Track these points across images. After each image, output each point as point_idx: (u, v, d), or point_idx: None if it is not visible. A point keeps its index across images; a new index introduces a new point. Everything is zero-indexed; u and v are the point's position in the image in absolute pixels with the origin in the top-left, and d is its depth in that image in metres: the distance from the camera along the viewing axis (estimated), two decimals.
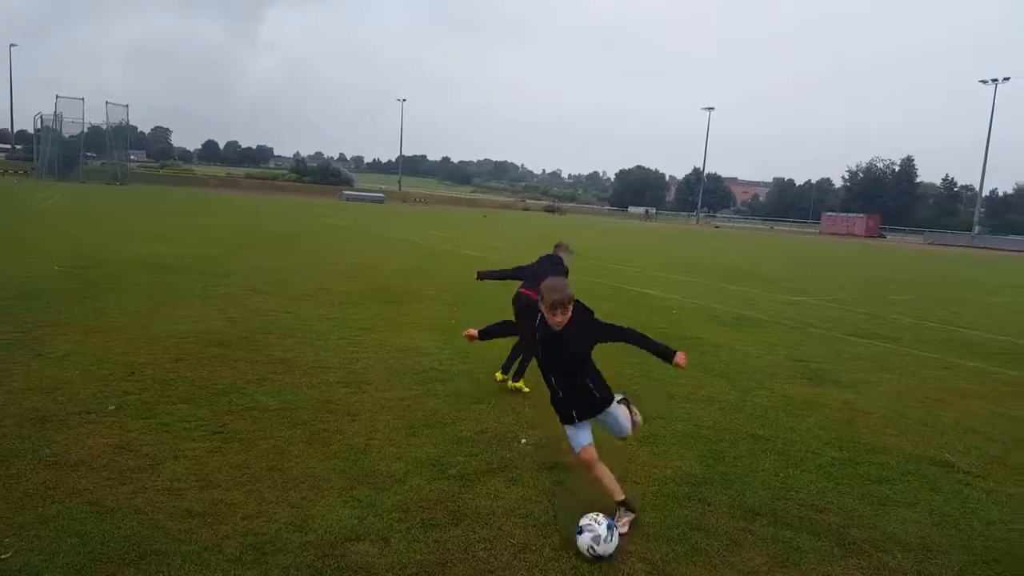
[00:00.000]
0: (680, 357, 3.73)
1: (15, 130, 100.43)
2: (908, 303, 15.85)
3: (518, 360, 6.49)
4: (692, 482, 4.49)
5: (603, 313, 4.03)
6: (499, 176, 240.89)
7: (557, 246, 6.97)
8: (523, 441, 5.04)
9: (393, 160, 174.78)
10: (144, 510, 3.62)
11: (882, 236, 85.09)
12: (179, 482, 3.98)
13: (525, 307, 6.64)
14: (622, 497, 3.86)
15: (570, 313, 3.64)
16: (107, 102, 71.30)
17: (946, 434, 5.89)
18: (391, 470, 4.37)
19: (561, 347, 3.72)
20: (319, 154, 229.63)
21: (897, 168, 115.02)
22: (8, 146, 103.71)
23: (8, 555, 3.13)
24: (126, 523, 3.47)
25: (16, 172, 68.34)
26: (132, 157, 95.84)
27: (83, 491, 3.78)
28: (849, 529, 3.97)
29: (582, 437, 3.83)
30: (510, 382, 6.45)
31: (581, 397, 3.80)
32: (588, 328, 3.78)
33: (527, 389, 6.37)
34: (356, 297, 10.98)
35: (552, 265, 6.68)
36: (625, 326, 3.87)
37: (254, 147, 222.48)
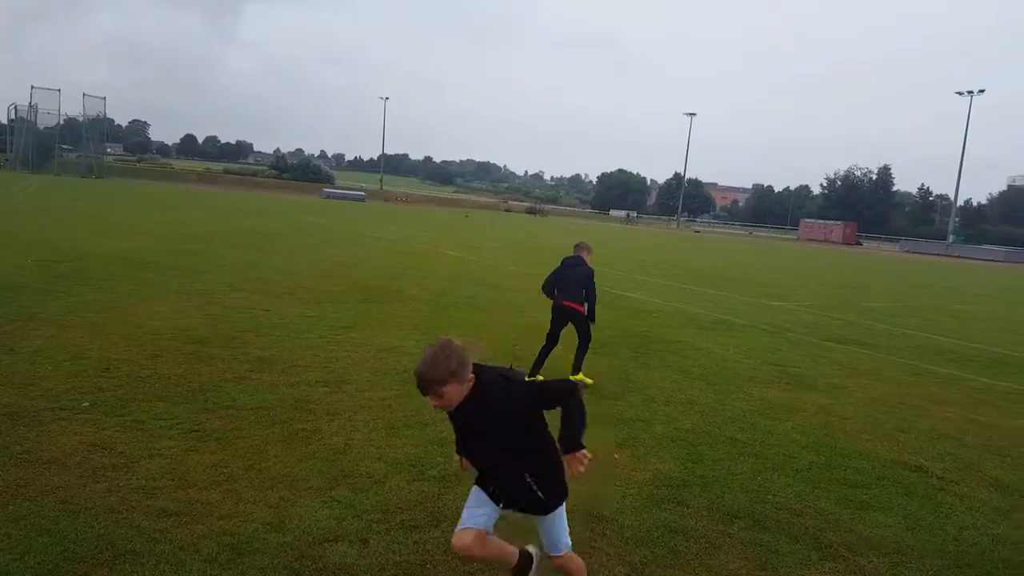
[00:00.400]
0: (574, 461, 2.74)
1: None
2: (883, 310, 16.11)
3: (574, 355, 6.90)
4: (671, 485, 4.51)
5: None
6: (481, 176, 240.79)
7: (577, 246, 7.17)
8: None
9: (375, 158, 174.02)
10: (118, 509, 3.56)
11: (859, 243, 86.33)
12: (154, 481, 3.92)
13: (555, 313, 6.93)
14: (514, 563, 3.04)
15: (459, 392, 2.58)
16: (84, 94, 69.90)
17: (920, 440, 5.99)
18: (370, 470, 4.34)
19: (474, 432, 2.75)
20: (299, 151, 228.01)
21: (874, 176, 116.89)
22: None
23: (85, 405, 3.02)
24: (100, 522, 3.41)
25: None
26: (109, 150, 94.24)
27: (56, 489, 3.70)
28: (826, 532, 4.02)
29: (479, 517, 2.82)
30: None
31: (515, 489, 2.81)
32: (517, 407, 2.69)
33: (591, 381, 6.76)
34: (336, 296, 10.90)
35: (572, 268, 6.96)
36: (568, 389, 2.88)
37: (233, 142, 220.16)
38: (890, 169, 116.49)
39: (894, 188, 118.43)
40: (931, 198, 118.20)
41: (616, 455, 4.95)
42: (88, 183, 53.59)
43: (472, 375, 2.61)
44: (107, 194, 39.40)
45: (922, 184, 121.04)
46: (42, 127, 68.74)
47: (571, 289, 6.89)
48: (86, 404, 5.02)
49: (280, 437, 4.76)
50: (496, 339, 8.62)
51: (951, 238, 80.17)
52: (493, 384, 2.65)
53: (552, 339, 6.92)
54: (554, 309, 6.95)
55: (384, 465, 4.43)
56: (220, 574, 3.09)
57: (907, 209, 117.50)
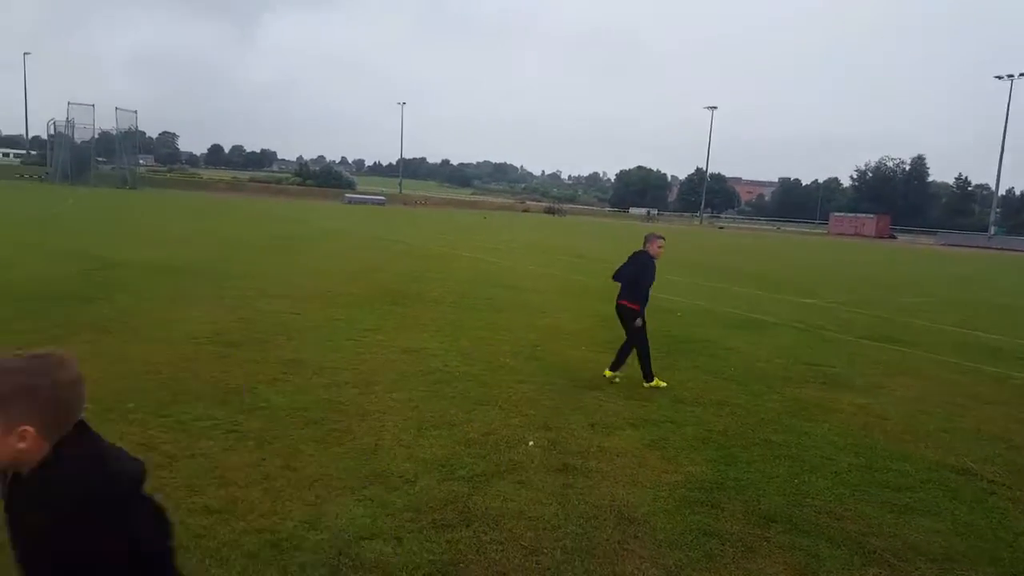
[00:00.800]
0: None
1: (30, 136, 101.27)
2: (922, 305, 15.75)
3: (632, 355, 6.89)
4: (704, 487, 4.46)
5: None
6: (499, 178, 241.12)
7: (646, 238, 7.10)
8: (531, 443, 5.02)
9: (394, 163, 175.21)
10: (164, 506, 3.62)
11: (892, 237, 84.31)
12: (197, 479, 4.00)
13: (618, 314, 6.90)
14: None
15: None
16: (116, 108, 71.84)
17: (966, 441, 5.83)
18: (401, 470, 4.37)
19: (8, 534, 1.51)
20: (321, 157, 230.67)
21: (908, 167, 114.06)
22: (24, 152, 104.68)
23: (131, 406, 3.11)
24: None
25: (31, 177, 68.92)
26: (141, 161, 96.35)
27: None
28: (868, 537, 3.93)
29: None
30: (652, 382, 6.80)
31: None
32: (38, 527, 1.43)
33: (662, 384, 6.76)
34: (362, 299, 11.01)
35: (633, 262, 6.92)
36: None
37: (258, 151, 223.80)
38: (924, 159, 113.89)
39: (929, 179, 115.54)
40: (969, 188, 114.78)
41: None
42: (122, 194, 54.95)
43: (51, 437, 1.44)
44: (141, 204, 40.34)
45: (959, 174, 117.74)
46: (79, 141, 70.70)
47: (623, 285, 6.87)
48: (131, 406, 5.13)
49: (314, 437, 4.82)
50: (516, 340, 8.63)
51: (992, 230, 77.93)
52: (61, 469, 1.44)
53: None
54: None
55: (414, 465, 4.46)
56: (262, 570, 3.14)
57: (944, 200, 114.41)
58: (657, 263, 6.97)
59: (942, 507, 4.42)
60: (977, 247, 67.86)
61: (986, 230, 78.65)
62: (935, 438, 5.84)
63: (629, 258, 7.02)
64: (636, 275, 6.80)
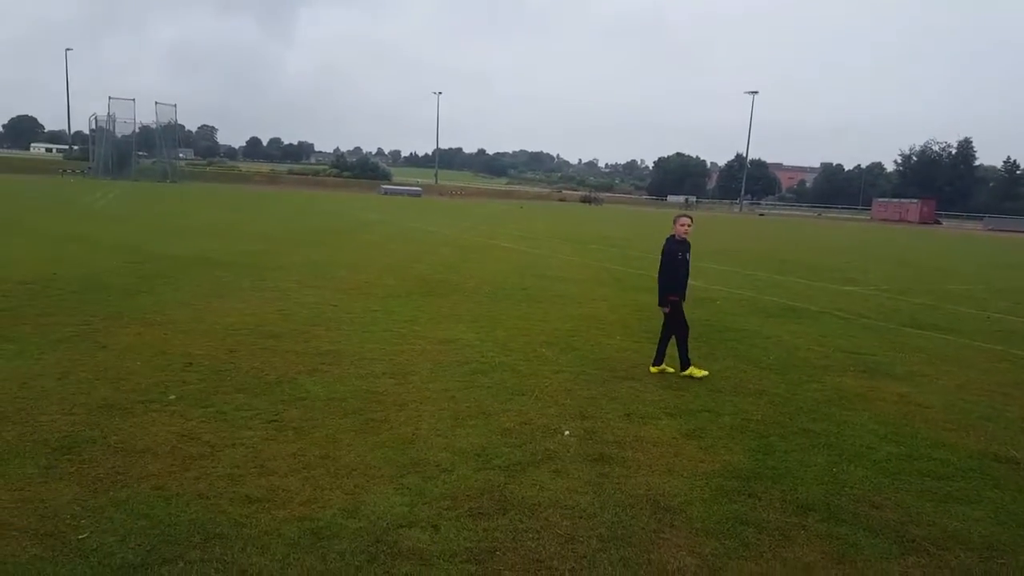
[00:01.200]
0: None
1: (72, 131, 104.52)
2: (967, 292, 15.28)
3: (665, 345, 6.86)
4: (741, 476, 4.43)
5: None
6: (534, 167, 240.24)
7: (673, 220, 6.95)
8: (566, 433, 5.05)
9: (429, 154, 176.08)
10: (207, 495, 3.77)
11: (938, 222, 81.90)
12: (238, 469, 4.13)
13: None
14: None
15: None
16: (156, 102, 73.41)
17: (1010, 429, 5.68)
18: (438, 459, 4.44)
19: None
20: (358, 149, 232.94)
21: (954, 151, 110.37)
22: (66, 147, 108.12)
23: (85, 535, 3.30)
24: (191, 507, 3.62)
25: (74, 171, 71.08)
26: (180, 155, 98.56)
27: (150, 476, 3.95)
28: (908, 526, 3.88)
29: None
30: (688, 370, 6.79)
31: None
32: None
33: (701, 373, 6.69)
34: (398, 290, 11.14)
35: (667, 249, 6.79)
36: None
37: (296, 143, 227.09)
38: (971, 142, 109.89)
39: (976, 163, 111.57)
40: (1019, 172, 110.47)
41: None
42: (163, 187, 56.30)
43: None
44: (180, 198, 41.31)
45: (1008, 157, 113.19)
46: (119, 135, 72.54)
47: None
48: (172, 397, 5.32)
49: (352, 427, 4.92)
50: (552, 330, 8.64)
51: None
52: None
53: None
54: None
55: (451, 454, 4.53)
56: (302, 558, 3.24)
57: (991, 185, 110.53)
58: (688, 242, 6.85)
59: (984, 496, 4.33)
60: None
61: None
62: (978, 427, 5.70)
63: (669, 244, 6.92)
64: (661, 261, 6.78)
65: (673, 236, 6.79)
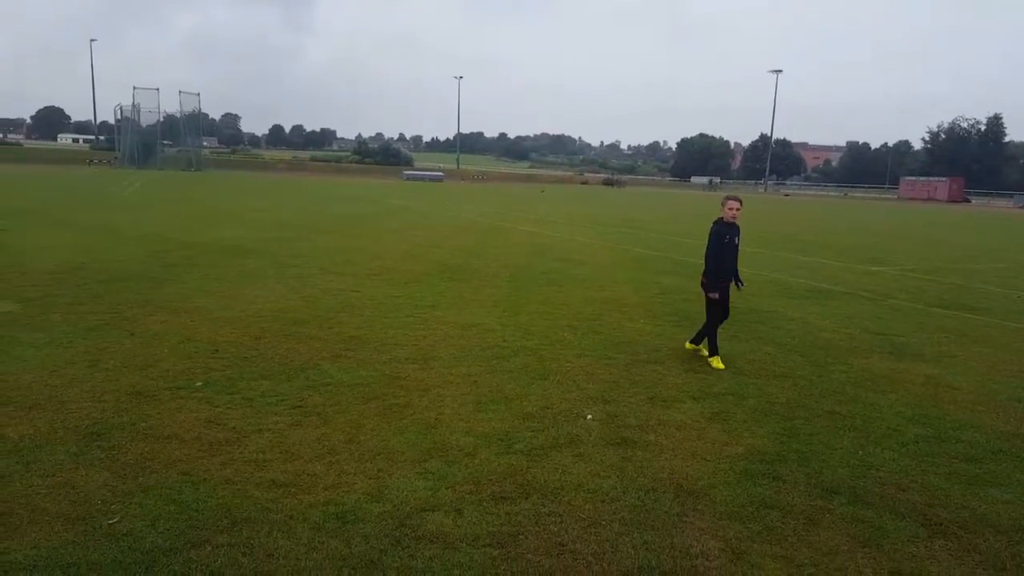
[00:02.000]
0: None
1: (98, 121, 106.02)
2: (997, 271, 14.92)
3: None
4: (766, 460, 4.40)
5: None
6: (556, 150, 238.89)
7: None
8: (589, 417, 5.04)
9: (451, 138, 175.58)
10: (234, 480, 3.83)
11: (967, 200, 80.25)
12: (264, 454, 4.19)
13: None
14: None
15: None
16: (180, 91, 74.25)
17: None
18: (461, 444, 4.46)
19: None
20: (379, 135, 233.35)
21: (983, 128, 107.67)
22: (93, 137, 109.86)
23: (116, 520, 3.38)
24: (218, 492, 3.69)
25: (100, 161, 72.17)
26: (204, 144, 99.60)
27: (178, 462, 4.03)
28: (935, 509, 3.82)
29: None
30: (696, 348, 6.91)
31: None
32: None
33: (719, 366, 6.49)
34: (420, 276, 11.17)
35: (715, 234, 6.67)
36: None
37: (318, 130, 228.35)
38: (1001, 119, 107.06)
39: (1007, 139, 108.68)
40: None
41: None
42: (188, 176, 56.98)
43: None
44: (205, 186, 41.76)
45: None
46: (144, 125, 73.42)
47: None
48: (199, 384, 5.41)
49: (376, 412, 4.97)
50: (574, 314, 8.61)
51: None
52: None
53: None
54: None
55: (473, 439, 4.55)
56: (327, 541, 3.28)
57: (1022, 162, 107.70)
58: (738, 225, 6.68)
59: (1013, 478, 4.25)
60: None
61: None
62: (1007, 408, 5.58)
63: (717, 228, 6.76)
64: (708, 243, 6.67)
65: (721, 219, 6.63)
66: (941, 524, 3.66)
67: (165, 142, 76.45)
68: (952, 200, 78.86)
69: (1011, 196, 79.67)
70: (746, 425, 5.00)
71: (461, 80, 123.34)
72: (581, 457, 4.35)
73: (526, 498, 3.78)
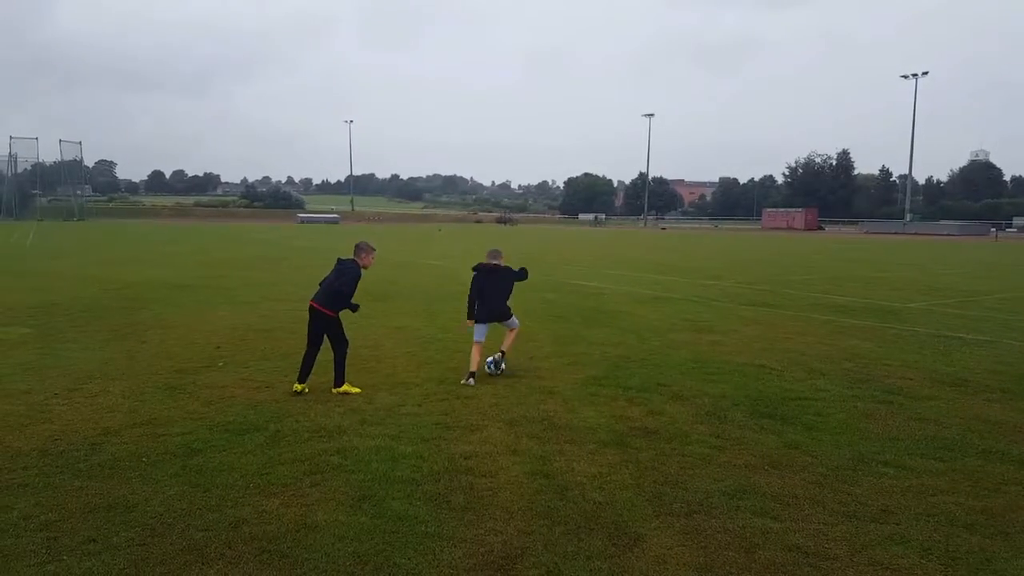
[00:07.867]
0: None
1: None
2: (805, 282, 19.19)
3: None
4: (599, 381, 7.35)
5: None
6: (449, 191, 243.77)
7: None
8: (470, 381, 7.81)
9: (342, 180, 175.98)
10: (277, 401, 6.30)
11: (821, 228, 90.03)
12: (288, 396, 6.66)
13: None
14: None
15: None
16: (60, 140, 71.90)
17: (775, 354, 8.91)
18: (413, 381, 7.13)
19: None
20: (267, 178, 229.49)
21: (834, 161, 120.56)
22: None
23: (221, 364, 5.78)
24: (268, 408, 6.16)
25: None
26: (79, 192, 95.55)
27: (239, 396, 6.44)
28: (681, 391, 6.89)
29: None
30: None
31: None
32: None
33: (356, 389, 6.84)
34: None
35: (337, 271, 7.22)
36: None
37: (201, 175, 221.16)
38: (849, 153, 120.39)
39: (855, 172, 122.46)
40: (892, 179, 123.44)
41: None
42: (73, 226, 55.44)
43: None
44: (100, 234, 41.47)
45: (882, 166, 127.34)
46: (21, 173, 70.34)
47: (322, 290, 7.24)
48: (221, 364, 7.74)
49: (353, 372, 7.46)
50: None
51: (908, 216, 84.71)
52: None
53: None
54: None
55: (421, 379, 7.22)
56: (368, 429, 5.85)
57: (871, 191, 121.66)
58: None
59: (735, 380, 7.42)
60: (894, 233, 73.96)
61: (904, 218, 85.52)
62: (752, 353, 8.92)
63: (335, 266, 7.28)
64: (337, 283, 7.02)
65: (354, 262, 7.27)
66: (682, 396, 6.70)
67: (35, 192, 73.29)
68: (808, 228, 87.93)
69: (857, 223, 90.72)
70: (588, 367, 7.96)
71: (352, 123, 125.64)
72: (485, 382, 7.12)
73: (455, 399, 6.49)
